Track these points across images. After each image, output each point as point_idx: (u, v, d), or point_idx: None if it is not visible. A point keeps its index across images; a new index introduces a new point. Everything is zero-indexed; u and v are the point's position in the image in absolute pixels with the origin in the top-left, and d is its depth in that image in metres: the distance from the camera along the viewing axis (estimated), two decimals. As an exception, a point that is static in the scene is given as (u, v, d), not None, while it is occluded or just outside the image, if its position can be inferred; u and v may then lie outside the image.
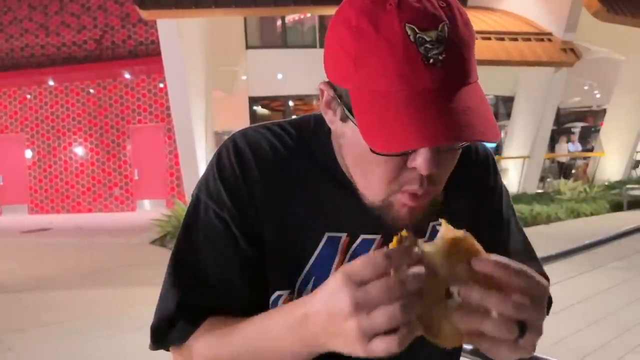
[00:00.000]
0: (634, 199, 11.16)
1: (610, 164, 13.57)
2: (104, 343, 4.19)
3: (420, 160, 0.66)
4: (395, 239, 0.60)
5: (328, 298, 0.59)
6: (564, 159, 15.20)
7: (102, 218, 13.18)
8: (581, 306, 4.75)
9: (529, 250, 0.92)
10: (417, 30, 0.62)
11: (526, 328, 0.59)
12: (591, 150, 15.47)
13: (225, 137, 0.84)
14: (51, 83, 14.36)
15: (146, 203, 14.22)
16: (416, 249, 0.59)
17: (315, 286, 0.78)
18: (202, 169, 10.34)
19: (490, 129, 0.63)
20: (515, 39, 10.66)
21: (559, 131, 16.57)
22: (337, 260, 0.79)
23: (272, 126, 0.83)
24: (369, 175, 0.71)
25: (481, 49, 10.22)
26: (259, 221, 0.78)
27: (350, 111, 0.67)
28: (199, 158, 9.84)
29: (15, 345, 4.24)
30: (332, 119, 0.74)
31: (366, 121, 0.64)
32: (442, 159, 0.68)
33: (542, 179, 13.41)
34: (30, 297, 5.70)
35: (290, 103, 13.81)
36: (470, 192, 0.87)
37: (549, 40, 10.84)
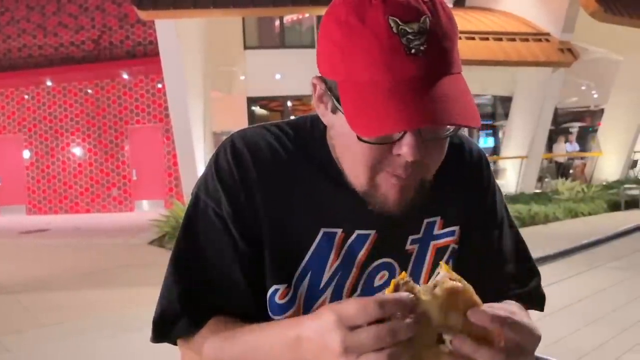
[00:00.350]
0: (631, 199, 11.17)
1: (607, 164, 13.59)
2: (103, 343, 4.18)
3: (404, 148, 0.68)
4: (392, 283, 0.61)
5: (320, 334, 0.61)
6: (561, 159, 15.21)
7: (100, 218, 13.16)
8: (579, 306, 4.76)
9: (522, 248, 0.93)
10: (400, 23, 0.65)
11: None
12: (589, 150, 15.51)
13: (224, 138, 0.87)
14: (49, 83, 14.35)
15: (144, 203, 14.21)
16: (412, 296, 0.60)
17: (311, 280, 0.81)
18: (200, 169, 10.30)
19: (469, 115, 0.65)
20: (513, 39, 10.68)
21: (557, 131, 16.58)
22: (332, 255, 0.81)
23: (270, 127, 0.86)
24: (356, 162, 0.73)
25: (479, 49, 10.23)
26: (256, 219, 0.80)
27: (338, 102, 0.70)
28: (197, 158, 9.83)
29: (13, 347, 4.24)
30: (324, 112, 0.77)
31: (351, 109, 0.67)
32: (428, 148, 0.70)
33: (540, 179, 13.42)
34: (29, 298, 5.69)
35: (289, 103, 13.81)
36: (464, 191, 0.89)
37: (547, 40, 10.86)
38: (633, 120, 13.01)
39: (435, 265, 0.86)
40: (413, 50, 0.65)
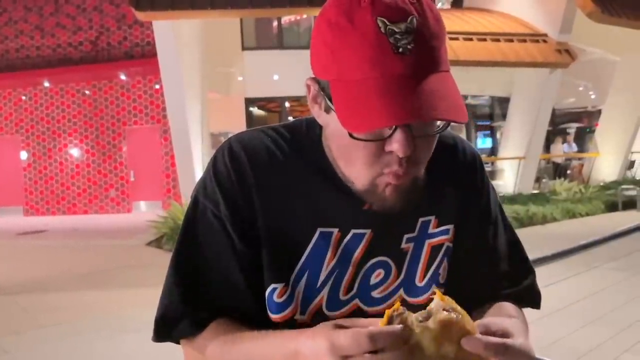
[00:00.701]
0: (629, 199, 11.18)
1: (605, 165, 13.61)
2: (101, 344, 4.18)
3: (395, 144, 0.70)
4: (386, 315, 0.62)
5: (315, 354, 0.65)
6: (559, 160, 15.23)
7: (98, 220, 13.14)
8: (577, 306, 4.77)
9: (516, 247, 0.95)
10: (388, 23, 0.67)
11: None
12: (586, 151, 15.53)
13: (222, 139, 0.88)
14: (46, 84, 14.33)
15: (142, 204, 14.20)
16: (405, 328, 0.61)
17: (308, 279, 0.83)
18: (198, 170, 10.28)
19: (455, 110, 0.67)
20: (511, 40, 10.69)
21: (555, 132, 16.61)
22: (329, 254, 0.83)
23: (267, 130, 0.88)
24: (351, 161, 0.76)
25: (477, 50, 10.25)
26: (254, 221, 0.82)
27: (331, 101, 0.72)
28: (195, 159, 9.81)
29: (11, 348, 4.23)
30: (318, 113, 0.79)
31: (342, 107, 0.69)
32: (418, 144, 0.72)
33: (538, 180, 13.43)
34: (27, 299, 5.68)
35: (287, 104, 13.80)
36: (458, 190, 0.90)
37: (544, 41, 10.87)
38: (630, 120, 13.03)
39: (430, 263, 0.87)
40: (400, 49, 0.67)
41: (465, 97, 14.53)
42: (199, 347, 0.82)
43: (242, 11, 9.71)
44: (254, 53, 13.07)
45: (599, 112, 14.94)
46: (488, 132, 16.69)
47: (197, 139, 10.07)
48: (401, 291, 0.86)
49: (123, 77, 13.89)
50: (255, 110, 14.24)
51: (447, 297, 0.63)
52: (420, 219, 0.87)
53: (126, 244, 9.01)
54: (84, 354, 4.08)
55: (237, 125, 12.42)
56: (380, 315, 0.86)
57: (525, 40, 10.77)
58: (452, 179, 0.90)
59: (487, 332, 0.64)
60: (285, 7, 9.70)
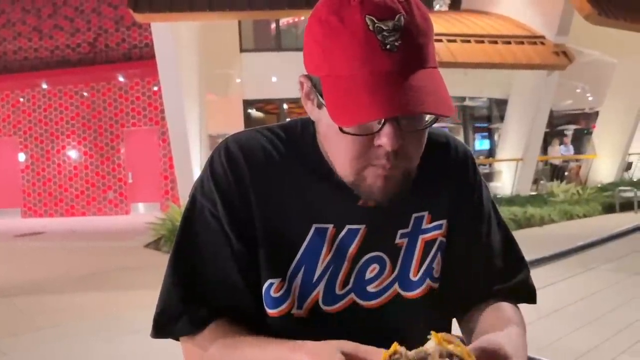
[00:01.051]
0: (626, 201, 11.21)
1: (602, 166, 13.64)
2: (99, 346, 4.18)
3: (383, 138, 0.72)
4: (383, 357, 0.63)
5: None
6: (557, 162, 15.26)
7: (96, 221, 13.12)
8: (574, 307, 4.78)
9: (509, 243, 0.96)
10: (376, 21, 0.70)
11: None
12: (584, 152, 15.55)
13: (220, 140, 0.89)
14: (44, 86, 14.32)
15: (140, 206, 14.19)
16: None
17: (305, 274, 0.85)
18: (196, 172, 10.29)
19: (442, 104, 0.70)
20: (509, 42, 10.71)
21: (552, 134, 16.64)
22: (324, 249, 0.85)
23: (263, 130, 0.90)
24: (341, 154, 0.78)
25: (475, 52, 10.27)
26: (251, 219, 0.84)
27: (322, 97, 0.75)
28: (193, 161, 9.82)
29: (9, 350, 4.22)
30: (311, 109, 0.82)
31: (332, 102, 0.72)
32: (408, 139, 0.74)
33: (536, 181, 13.45)
34: (24, 301, 5.67)
35: (285, 106, 13.81)
36: (450, 186, 0.92)
37: (542, 43, 10.90)
38: (627, 122, 13.06)
39: (424, 258, 0.89)
40: (388, 46, 0.69)
41: (463, 98, 14.56)
42: (200, 345, 0.83)
43: (240, 13, 9.73)
44: (252, 55, 13.08)
45: (597, 113, 14.98)
46: (486, 133, 16.71)
47: (196, 141, 10.07)
48: (396, 285, 0.88)
49: (121, 78, 13.88)
50: (253, 112, 14.24)
51: (442, 337, 0.64)
52: (414, 215, 0.88)
53: (124, 246, 9.00)
54: (82, 355, 4.08)
55: (235, 127, 12.41)
56: (375, 309, 0.85)
57: (522, 42, 10.79)
58: (444, 176, 0.91)
59: (484, 353, 0.66)
60: (283, 9, 9.71)
